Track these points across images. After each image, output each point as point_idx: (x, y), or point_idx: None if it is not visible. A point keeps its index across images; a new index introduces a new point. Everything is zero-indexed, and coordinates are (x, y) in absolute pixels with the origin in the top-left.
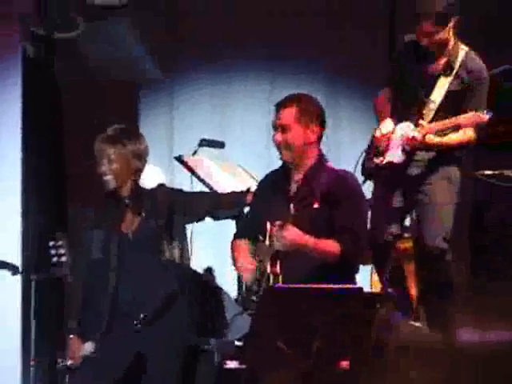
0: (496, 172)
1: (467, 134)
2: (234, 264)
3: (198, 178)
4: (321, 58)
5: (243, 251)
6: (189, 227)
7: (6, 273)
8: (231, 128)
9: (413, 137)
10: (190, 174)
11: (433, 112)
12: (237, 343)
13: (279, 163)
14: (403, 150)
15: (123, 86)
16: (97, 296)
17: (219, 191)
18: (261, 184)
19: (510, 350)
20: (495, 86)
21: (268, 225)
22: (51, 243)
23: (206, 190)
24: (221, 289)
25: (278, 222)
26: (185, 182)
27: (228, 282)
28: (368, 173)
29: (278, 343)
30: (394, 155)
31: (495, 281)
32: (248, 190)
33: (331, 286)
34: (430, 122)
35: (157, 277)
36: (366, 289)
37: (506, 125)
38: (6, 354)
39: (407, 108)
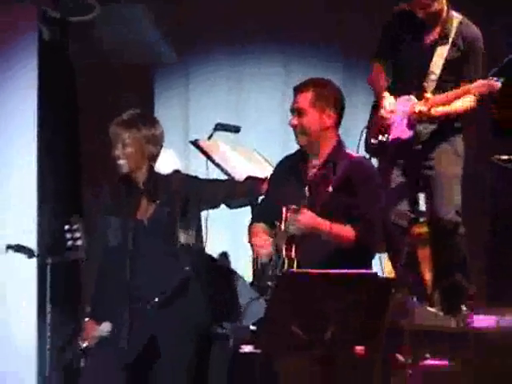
0: None
1: (470, 101)
2: (251, 244)
3: (214, 162)
4: (336, 40)
5: (260, 232)
6: (204, 213)
7: (22, 256)
8: (246, 111)
9: (419, 111)
10: (205, 158)
11: (434, 83)
12: (252, 328)
13: (295, 147)
14: (409, 125)
15: (138, 68)
16: (112, 282)
17: (235, 176)
18: (277, 169)
19: None
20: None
21: (284, 209)
22: (66, 227)
23: (222, 174)
24: (236, 273)
25: (292, 206)
26: (200, 167)
27: (243, 267)
28: (373, 150)
29: (293, 328)
30: (401, 131)
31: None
32: (265, 178)
33: (346, 271)
34: (432, 93)
35: (171, 263)
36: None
37: None
38: (22, 337)
39: (406, 81)
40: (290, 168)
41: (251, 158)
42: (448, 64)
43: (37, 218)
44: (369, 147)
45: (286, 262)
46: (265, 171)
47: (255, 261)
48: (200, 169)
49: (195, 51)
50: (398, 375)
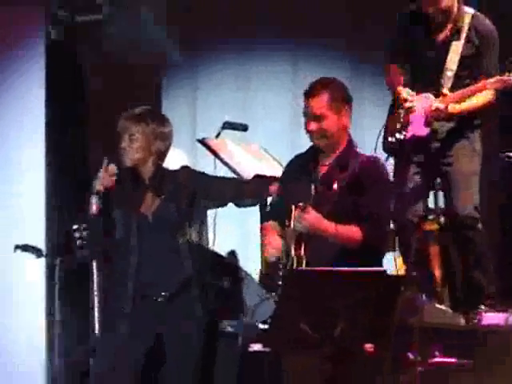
0: None
1: (487, 97)
2: (261, 243)
3: (222, 160)
4: (343, 38)
5: (271, 230)
6: (213, 210)
7: (30, 256)
8: (254, 110)
9: (436, 108)
10: (213, 157)
11: (451, 80)
12: (260, 326)
13: (302, 146)
14: (426, 122)
15: (146, 68)
16: (118, 277)
17: (243, 174)
18: (287, 168)
19: None
20: None
21: (292, 207)
22: (75, 226)
23: (230, 173)
24: (244, 271)
25: (299, 204)
26: (208, 167)
27: (252, 265)
28: (390, 149)
29: (302, 326)
30: (418, 128)
31: None
32: (273, 177)
33: (355, 268)
34: (449, 89)
35: (175, 259)
36: (391, 271)
37: None
38: (30, 337)
39: (422, 80)
40: (301, 167)
41: (259, 156)
42: (464, 60)
43: (45, 217)
44: (386, 146)
45: (295, 260)
46: (273, 169)
47: (264, 259)
48: (207, 168)
49: (203, 50)
50: (408, 373)
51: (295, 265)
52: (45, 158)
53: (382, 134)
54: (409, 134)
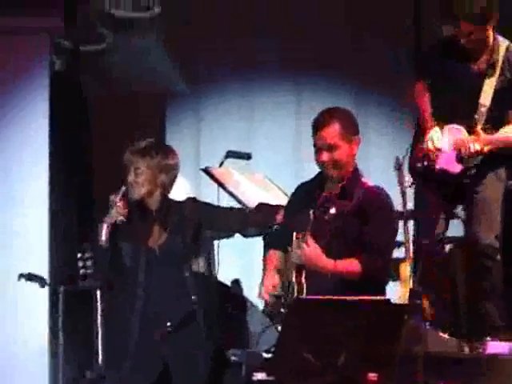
0: None
1: None
2: (263, 273)
3: (226, 190)
4: (347, 68)
5: (271, 265)
6: (216, 240)
7: (34, 285)
8: (257, 140)
9: (476, 150)
10: (216, 186)
11: (484, 115)
12: (264, 355)
13: (306, 175)
14: (458, 159)
15: (150, 97)
16: (123, 310)
17: (248, 203)
18: (293, 195)
19: None
20: None
21: (294, 235)
22: (79, 255)
23: (233, 202)
24: (248, 300)
25: (298, 234)
26: (211, 197)
27: (255, 294)
28: (417, 173)
29: (305, 355)
30: (449, 163)
31: None
32: (278, 206)
33: (358, 297)
34: (483, 124)
35: (181, 291)
36: (394, 300)
37: None
38: (34, 366)
39: (453, 109)
40: (307, 194)
41: (264, 185)
42: (497, 94)
43: (49, 246)
44: (412, 170)
45: (296, 287)
46: (277, 199)
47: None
48: (211, 198)
49: (207, 81)
50: None
51: (296, 292)
52: (48, 189)
53: (409, 155)
54: (438, 166)
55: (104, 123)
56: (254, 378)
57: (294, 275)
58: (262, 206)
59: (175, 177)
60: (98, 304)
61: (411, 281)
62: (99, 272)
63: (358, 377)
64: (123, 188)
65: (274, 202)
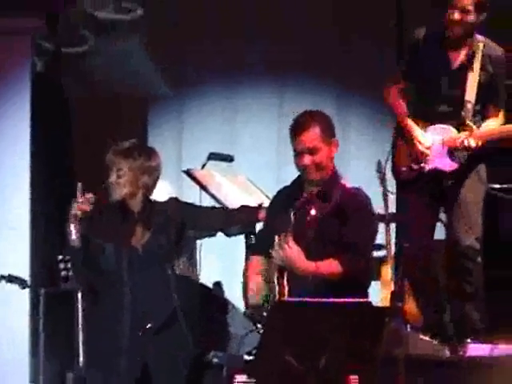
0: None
1: (507, 126)
2: (244, 283)
3: (208, 192)
4: (330, 70)
5: (254, 272)
6: (198, 242)
7: (15, 287)
8: (240, 142)
9: (471, 146)
10: (198, 188)
11: (471, 111)
12: (245, 357)
13: (288, 177)
14: (451, 157)
15: (132, 100)
16: (111, 310)
17: (228, 205)
18: (274, 199)
19: None
20: None
21: (276, 238)
22: (60, 257)
23: (216, 204)
24: (229, 303)
25: (280, 236)
26: (193, 199)
27: (237, 296)
28: (402, 178)
29: (287, 357)
30: (441, 162)
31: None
32: (260, 205)
33: (340, 299)
34: (470, 120)
35: (164, 291)
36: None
37: None
38: (15, 368)
39: (433, 106)
40: (288, 197)
41: (246, 187)
42: (481, 89)
43: (29, 248)
44: (397, 174)
45: (278, 289)
46: (259, 201)
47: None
48: (193, 200)
49: (189, 83)
50: None
51: (277, 295)
52: (30, 189)
53: (390, 159)
54: (430, 167)
55: (85, 125)
56: (235, 381)
57: (275, 277)
58: (243, 208)
59: (157, 178)
60: (79, 305)
61: (392, 283)
62: (79, 274)
63: (339, 379)
64: (79, 184)
65: (255, 204)
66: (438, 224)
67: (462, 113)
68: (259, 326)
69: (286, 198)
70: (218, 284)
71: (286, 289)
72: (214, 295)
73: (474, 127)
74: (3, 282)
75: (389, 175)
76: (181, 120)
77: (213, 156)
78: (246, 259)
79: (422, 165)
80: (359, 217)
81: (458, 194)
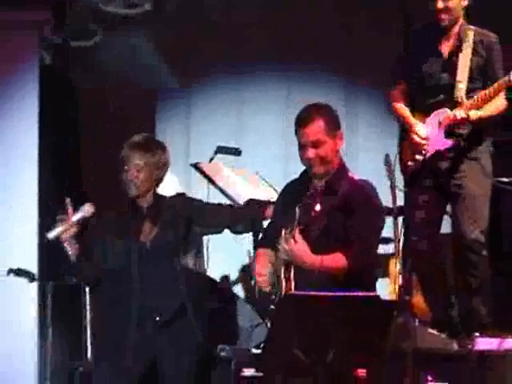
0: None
1: (501, 102)
2: (252, 270)
3: (215, 185)
4: (338, 63)
5: (262, 259)
6: (206, 237)
7: (23, 280)
8: (247, 135)
9: (460, 116)
10: (206, 182)
11: (463, 91)
12: (253, 351)
13: (295, 170)
14: (446, 135)
15: (140, 94)
16: (120, 305)
17: (237, 199)
18: (282, 192)
19: None
20: None
21: (283, 232)
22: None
23: (223, 199)
24: (237, 296)
25: (286, 230)
26: (201, 193)
27: (244, 289)
28: (410, 172)
29: (295, 351)
30: (438, 143)
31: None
32: (268, 201)
33: (347, 293)
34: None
35: (172, 285)
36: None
37: None
38: (23, 360)
39: (431, 95)
40: (294, 191)
41: (253, 181)
42: (474, 72)
43: (38, 242)
44: (405, 170)
45: (284, 283)
46: (267, 194)
47: (256, 286)
48: (201, 193)
49: (197, 76)
50: None
51: (284, 288)
52: (38, 182)
53: (398, 158)
54: (429, 153)
55: (94, 119)
56: (243, 374)
57: (282, 271)
58: (251, 202)
59: (166, 172)
60: (87, 299)
61: (400, 277)
62: (83, 275)
63: (347, 373)
64: (67, 199)
65: (263, 198)
66: (446, 218)
67: (455, 95)
68: (267, 319)
69: (292, 191)
70: (225, 278)
71: (293, 283)
72: (222, 289)
73: (465, 100)
74: (11, 275)
75: (397, 173)
76: (188, 113)
77: (221, 149)
78: (255, 252)
79: (423, 152)
80: (365, 209)
81: (463, 187)
